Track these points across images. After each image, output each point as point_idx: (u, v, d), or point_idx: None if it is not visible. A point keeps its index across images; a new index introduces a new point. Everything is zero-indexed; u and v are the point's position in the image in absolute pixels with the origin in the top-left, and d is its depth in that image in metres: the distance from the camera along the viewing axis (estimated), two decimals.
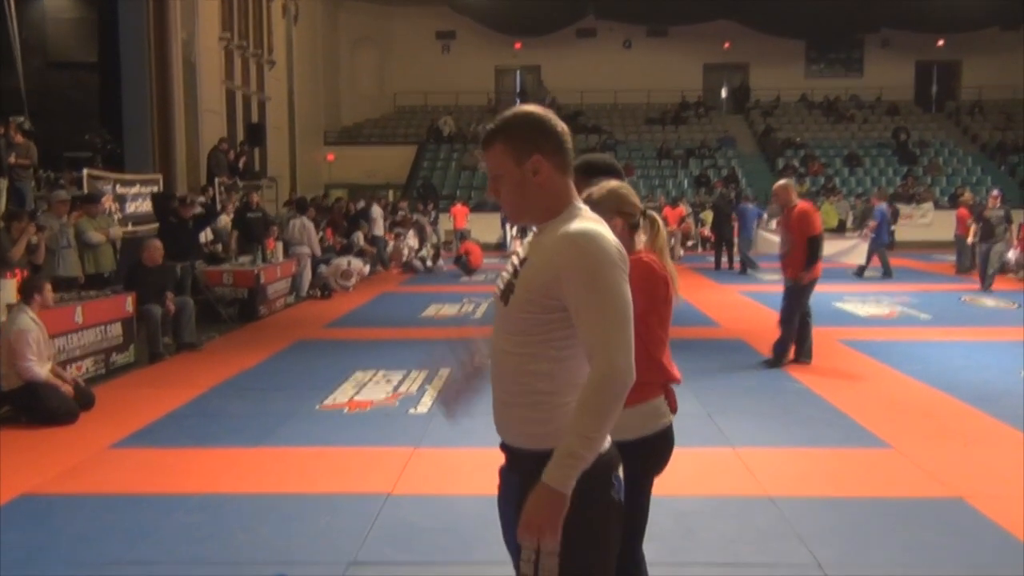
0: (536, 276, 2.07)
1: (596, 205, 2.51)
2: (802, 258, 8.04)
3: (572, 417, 1.98)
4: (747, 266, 17.86)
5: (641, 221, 2.80)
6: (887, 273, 16.19)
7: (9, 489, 5.04)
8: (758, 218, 19.53)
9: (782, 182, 8.63)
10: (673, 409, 2.82)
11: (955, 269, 17.50)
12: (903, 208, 25.32)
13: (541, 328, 2.07)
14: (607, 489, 2.06)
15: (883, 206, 17.47)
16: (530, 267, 2.11)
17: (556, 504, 1.95)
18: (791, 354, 8.36)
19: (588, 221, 2.10)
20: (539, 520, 1.96)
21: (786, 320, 8.32)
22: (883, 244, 16.77)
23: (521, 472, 2.13)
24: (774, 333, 8.42)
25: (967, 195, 19.43)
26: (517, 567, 2.10)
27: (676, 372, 2.85)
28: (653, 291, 2.75)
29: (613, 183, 2.82)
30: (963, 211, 17.62)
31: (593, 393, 1.96)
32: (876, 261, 16.48)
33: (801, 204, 8.32)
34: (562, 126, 2.15)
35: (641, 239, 2.82)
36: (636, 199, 2.81)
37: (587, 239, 2.03)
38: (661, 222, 2.85)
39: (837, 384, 7.64)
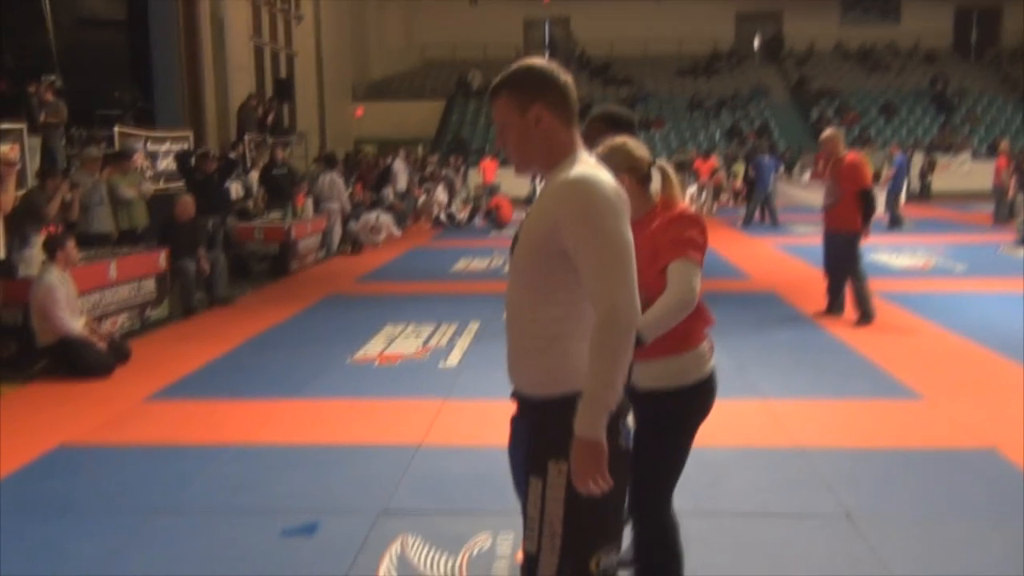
0: (537, 223, 2.10)
1: (602, 162, 2.49)
2: (853, 210, 7.86)
3: (588, 364, 2.00)
4: (749, 219, 17.76)
5: (652, 172, 2.78)
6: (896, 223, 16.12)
7: (48, 439, 5.16)
8: (775, 171, 19.33)
9: (829, 132, 8.35)
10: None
11: (992, 219, 17.21)
12: (940, 158, 24.89)
13: (547, 274, 2.09)
14: (614, 437, 2.08)
15: (901, 155, 17.16)
16: (532, 215, 2.14)
17: (594, 452, 1.99)
18: (868, 305, 8.01)
19: (586, 167, 2.10)
20: (585, 472, 2.00)
21: (852, 274, 8.04)
22: (898, 191, 16.58)
23: (530, 419, 2.17)
24: (807, 285, 8.29)
25: (1006, 144, 19.00)
26: (525, 511, 2.15)
27: (711, 315, 2.88)
28: (705, 238, 2.78)
29: (618, 139, 2.82)
30: (1002, 161, 17.28)
31: (601, 335, 1.98)
32: (905, 210, 16.32)
33: (850, 155, 8.07)
34: (565, 78, 2.16)
35: (655, 191, 2.81)
36: (642, 152, 2.80)
37: (584, 183, 2.04)
38: (672, 172, 2.84)
39: (869, 336, 7.57)
